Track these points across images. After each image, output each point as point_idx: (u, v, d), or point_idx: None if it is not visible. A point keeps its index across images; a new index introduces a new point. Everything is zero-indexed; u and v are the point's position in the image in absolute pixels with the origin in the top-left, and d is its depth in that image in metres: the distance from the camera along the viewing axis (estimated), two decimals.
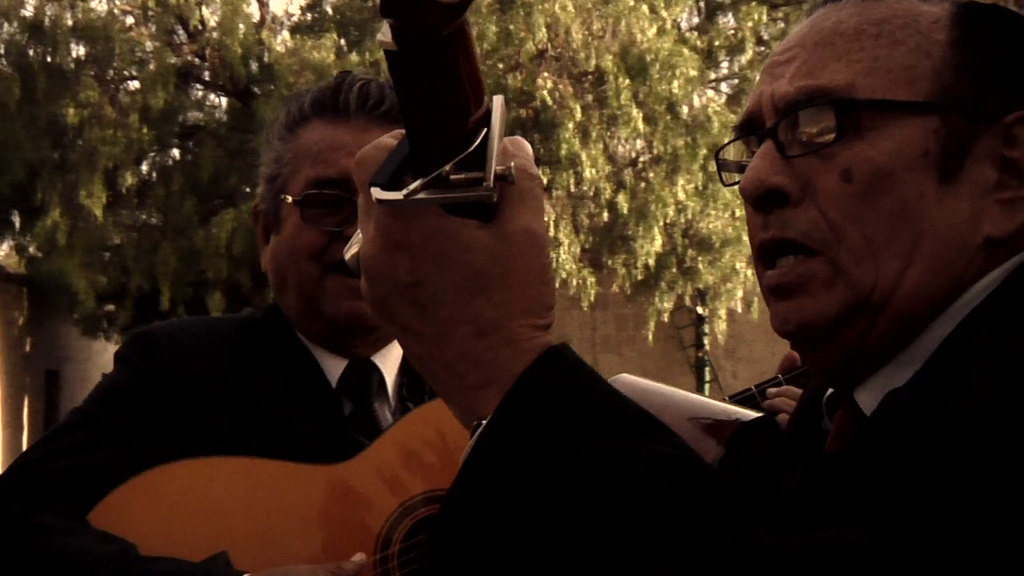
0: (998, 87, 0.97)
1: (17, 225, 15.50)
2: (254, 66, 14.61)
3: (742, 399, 1.95)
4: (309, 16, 15.58)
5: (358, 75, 1.72)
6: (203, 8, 14.73)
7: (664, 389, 1.19)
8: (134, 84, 14.78)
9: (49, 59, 14.22)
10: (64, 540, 1.51)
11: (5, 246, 16.11)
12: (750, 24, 15.16)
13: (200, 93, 15.75)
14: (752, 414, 1.15)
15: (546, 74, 13.45)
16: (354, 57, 14.16)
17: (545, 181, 13.67)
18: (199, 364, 1.65)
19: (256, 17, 14.84)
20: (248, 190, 13.81)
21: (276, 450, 1.59)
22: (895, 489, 0.78)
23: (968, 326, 0.92)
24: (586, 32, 13.66)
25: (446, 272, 0.78)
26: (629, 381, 1.18)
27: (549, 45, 13.52)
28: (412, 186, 0.78)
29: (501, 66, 13.65)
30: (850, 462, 0.87)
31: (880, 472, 0.81)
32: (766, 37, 15.63)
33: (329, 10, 15.40)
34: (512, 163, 0.80)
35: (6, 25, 14.32)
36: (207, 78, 15.31)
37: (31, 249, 15.37)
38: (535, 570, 0.73)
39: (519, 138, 0.84)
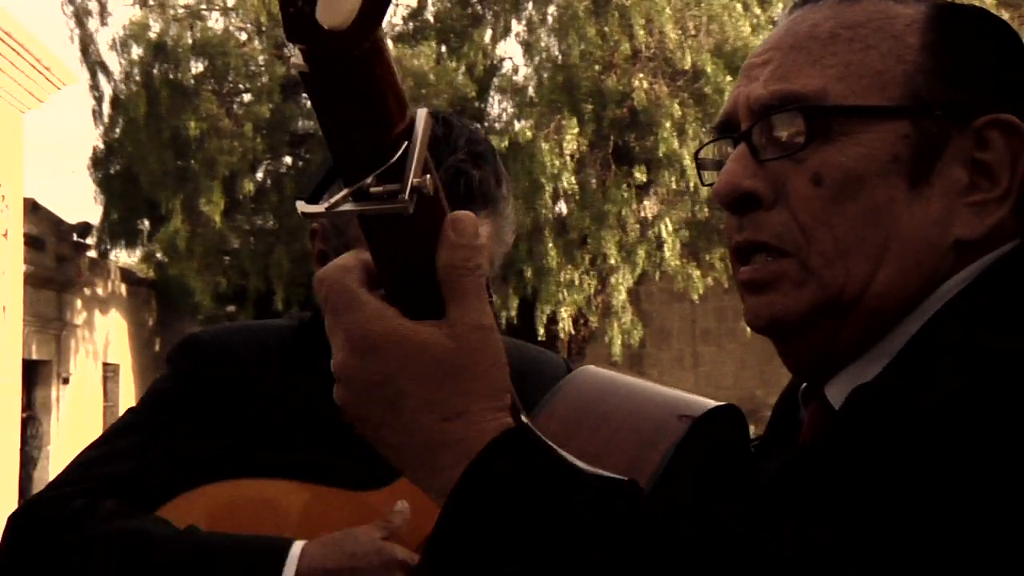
0: (971, 90, 0.96)
1: (146, 233, 15.95)
2: None
3: None
4: (411, 25, 15.72)
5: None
6: None
7: (629, 379, 1.18)
8: (247, 96, 15.09)
9: (171, 76, 14.59)
10: (127, 522, 1.54)
11: (136, 253, 16.58)
12: None
13: (308, 103, 16.00)
14: (716, 403, 1.14)
15: (641, 74, 13.36)
16: (452, 63, 14.25)
17: (644, 179, 13.60)
18: (244, 368, 1.66)
19: None
20: None
21: (317, 456, 1.59)
22: (856, 482, 0.79)
23: (936, 323, 0.92)
24: (680, 32, 13.54)
25: (409, 369, 0.82)
26: (593, 372, 1.15)
27: (644, 45, 13.43)
28: (334, 199, 0.78)
29: (597, 67, 13.59)
30: (815, 454, 0.88)
31: (842, 465, 0.81)
32: None
33: (430, 18, 15.51)
34: (429, 176, 0.80)
35: (135, 47, 14.73)
36: None
37: (158, 255, 15.80)
38: None
39: (466, 221, 0.84)
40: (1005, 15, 14.00)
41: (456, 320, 0.82)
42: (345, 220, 0.77)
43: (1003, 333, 0.85)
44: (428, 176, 0.79)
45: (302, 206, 0.79)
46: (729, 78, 12.90)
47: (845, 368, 0.97)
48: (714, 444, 1.07)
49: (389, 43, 15.04)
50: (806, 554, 0.76)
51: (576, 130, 13.21)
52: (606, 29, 13.39)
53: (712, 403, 1.08)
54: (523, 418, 0.92)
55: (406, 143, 0.78)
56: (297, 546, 1.51)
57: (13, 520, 1.60)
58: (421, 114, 0.80)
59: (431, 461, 0.83)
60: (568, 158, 13.24)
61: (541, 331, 13.71)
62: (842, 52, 0.97)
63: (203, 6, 14.85)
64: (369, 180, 0.77)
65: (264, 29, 14.79)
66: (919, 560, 0.75)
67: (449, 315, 0.83)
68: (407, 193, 0.77)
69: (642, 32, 13.24)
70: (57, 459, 12.37)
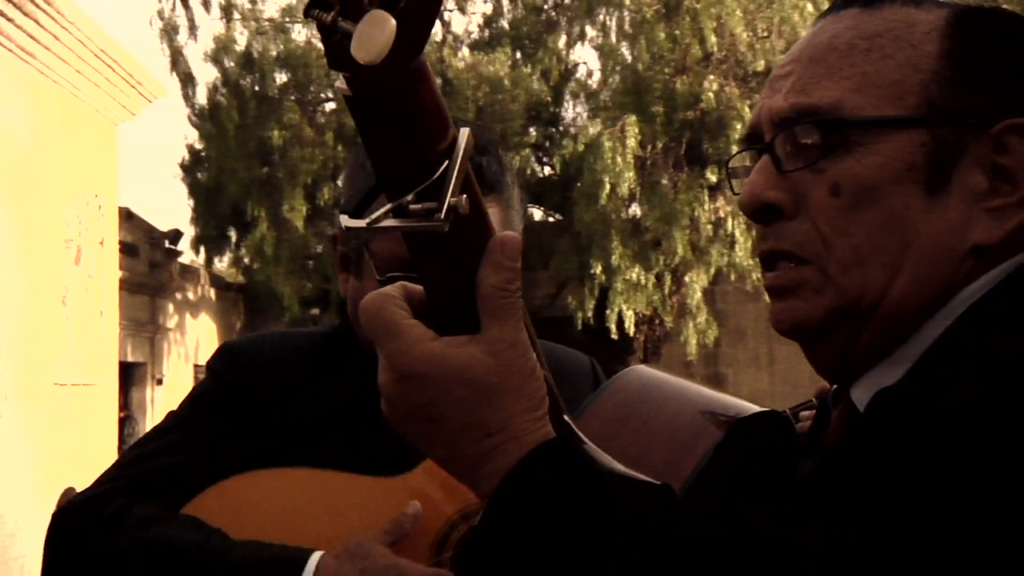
0: (989, 95, 0.95)
1: (234, 239, 16.21)
2: (437, 81, 14.91)
3: None
4: (486, 32, 15.79)
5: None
6: None
7: (676, 381, 1.17)
8: (329, 105, 15.28)
9: (257, 87, 14.82)
10: (158, 529, 1.60)
11: (225, 259, 16.84)
12: None
13: None
14: (757, 408, 1.13)
15: (712, 76, 13.27)
16: (527, 69, 14.28)
17: (715, 180, 13.50)
18: (276, 372, 1.72)
19: (438, 37, 15.15)
20: None
21: (344, 454, 1.64)
22: (875, 484, 0.80)
23: (958, 328, 0.92)
24: (751, 33, 13.42)
25: (450, 391, 0.86)
26: (639, 373, 1.16)
27: (715, 48, 13.34)
28: (375, 215, 0.80)
29: (668, 71, 13.53)
30: (839, 456, 0.89)
31: (863, 466, 0.82)
32: None
33: (506, 25, 15.56)
34: (466, 196, 0.81)
35: (225, 59, 15.01)
36: None
37: (245, 260, 16.03)
38: None
39: (511, 243, 0.87)
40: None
41: (494, 338, 0.86)
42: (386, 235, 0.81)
43: (1021, 338, 0.85)
44: (465, 196, 0.80)
45: (345, 220, 0.82)
46: None
47: (869, 371, 0.98)
48: (753, 449, 1.08)
49: (465, 51, 15.00)
50: (827, 555, 0.77)
51: (638, 131, 13.14)
52: (677, 33, 13.32)
53: (753, 408, 1.10)
54: (566, 418, 0.95)
55: (447, 162, 0.80)
56: (313, 560, 1.54)
57: (55, 520, 1.67)
58: (464, 133, 0.82)
59: (476, 472, 0.87)
60: (632, 159, 13.18)
61: (614, 331, 13.66)
62: (860, 63, 0.97)
63: (287, 19, 15.09)
64: (409, 197, 0.79)
65: None
66: (934, 563, 0.75)
67: (487, 333, 0.86)
68: (443, 212, 0.78)
69: (712, 35, 13.15)
70: None
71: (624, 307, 13.73)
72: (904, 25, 0.98)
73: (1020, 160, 0.94)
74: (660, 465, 0.99)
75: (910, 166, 0.95)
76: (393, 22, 0.72)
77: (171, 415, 1.80)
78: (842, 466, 0.84)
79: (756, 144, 1.04)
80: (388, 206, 0.80)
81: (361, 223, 0.80)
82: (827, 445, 1.04)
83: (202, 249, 15.92)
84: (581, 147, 13.52)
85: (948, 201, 0.95)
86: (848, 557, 0.77)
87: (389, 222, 0.80)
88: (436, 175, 0.79)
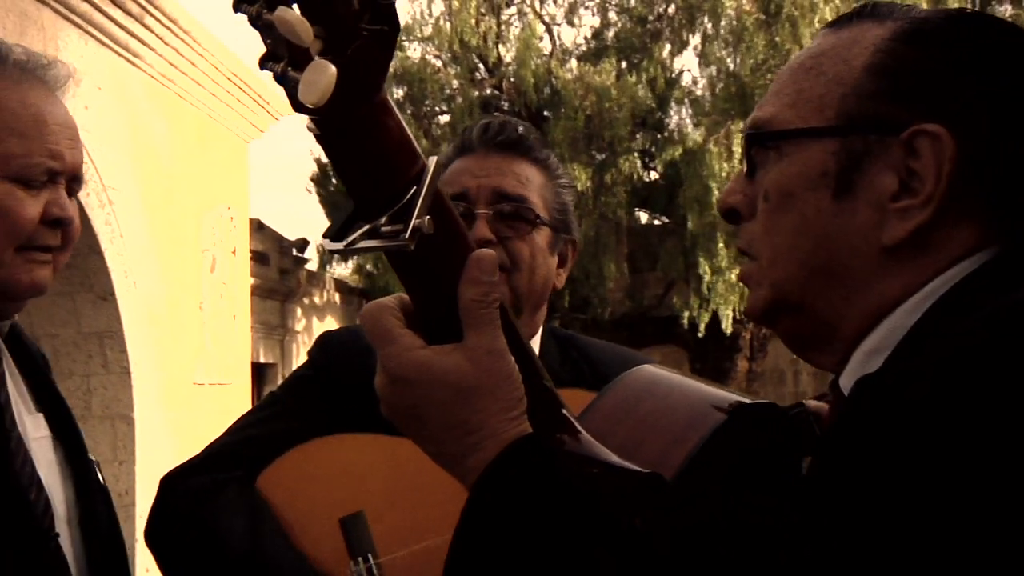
0: (906, 104, 0.95)
1: None
2: (546, 92, 14.94)
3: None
4: (593, 44, 15.76)
5: (495, 117, 1.88)
6: (499, 47, 15.22)
7: (679, 378, 1.18)
8: (444, 118, 15.43)
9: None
10: (225, 518, 1.68)
11: (349, 264, 17.16)
12: None
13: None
14: (749, 401, 1.13)
15: None
16: (632, 78, 14.20)
17: None
18: (362, 359, 1.76)
19: (548, 50, 15.19)
20: None
21: None
22: (848, 471, 0.80)
23: (929, 319, 0.93)
24: None
25: (433, 394, 0.92)
26: (643, 371, 1.18)
27: None
28: (351, 237, 0.84)
29: (770, 76, 13.31)
30: (825, 442, 0.90)
31: (839, 454, 0.83)
32: None
33: (612, 36, 15.52)
34: (432, 218, 0.86)
35: None
36: (505, 107, 15.82)
37: (367, 266, 16.30)
38: None
39: (486, 259, 0.92)
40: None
41: (473, 346, 0.92)
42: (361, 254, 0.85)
43: (985, 330, 0.83)
44: (429, 218, 0.85)
45: (326, 244, 0.87)
46: None
47: (851, 359, 0.99)
48: (748, 439, 1.09)
49: (573, 62, 14.99)
50: (791, 538, 0.79)
51: (742, 137, 12.98)
52: (777, 39, 13.10)
53: (746, 400, 1.11)
54: (565, 412, 1.00)
55: (414, 187, 0.84)
56: None
57: (162, 484, 1.78)
58: (431, 162, 0.87)
59: (460, 466, 0.94)
60: (737, 163, 13.01)
61: (725, 328, 13.48)
62: (800, 80, 1.01)
63: (403, 37, 15.30)
64: (382, 220, 0.84)
65: (457, 57, 15.11)
66: (896, 547, 0.75)
67: (467, 341, 0.92)
68: (408, 233, 0.83)
69: (811, 40, 12.91)
70: None
71: (727, 307, 13.56)
72: (849, 43, 1.00)
73: (926, 163, 0.94)
74: (654, 456, 1.02)
75: (823, 172, 0.97)
76: (332, 69, 0.76)
77: (270, 394, 1.92)
78: (824, 452, 0.86)
79: None
80: (362, 229, 0.85)
81: (339, 245, 0.85)
82: (822, 433, 1.08)
83: (335, 257, 16.24)
84: (684, 152, 13.39)
85: (855, 205, 0.97)
86: (812, 540, 0.78)
87: (364, 244, 0.85)
88: (405, 199, 0.84)
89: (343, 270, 17.22)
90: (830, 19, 13.55)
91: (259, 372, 12.39)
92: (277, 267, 13.49)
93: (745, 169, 1.04)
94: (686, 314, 13.87)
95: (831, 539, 0.77)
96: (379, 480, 1.70)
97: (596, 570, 0.84)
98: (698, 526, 0.84)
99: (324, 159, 16.08)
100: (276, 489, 1.73)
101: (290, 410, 1.82)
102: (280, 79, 0.79)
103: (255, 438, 1.79)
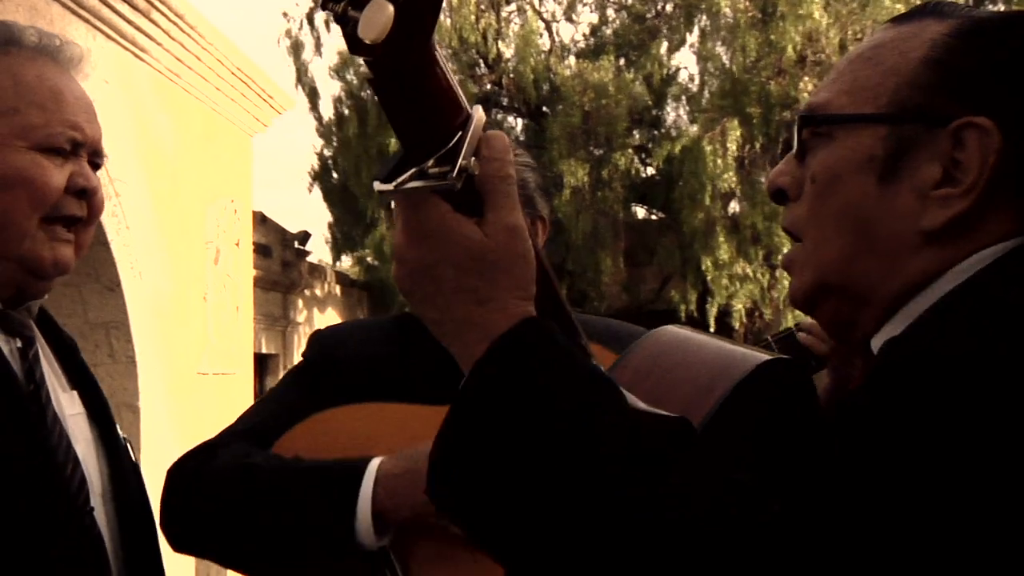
0: (957, 97, 0.98)
1: (356, 239, 16.52)
2: (545, 88, 14.96)
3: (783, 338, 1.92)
4: (591, 41, 15.78)
5: None
6: (499, 43, 15.24)
7: (702, 337, 1.20)
8: None
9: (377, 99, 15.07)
10: (245, 458, 1.77)
11: (350, 258, 17.17)
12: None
13: (499, 116, 16.28)
14: (769, 356, 1.15)
15: (807, 78, 13.04)
16: (630, 75, 14.23)
17: None
18: (353, 350, 1.92)
19: (547, 46, 15.22)
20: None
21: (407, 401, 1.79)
22: (875, 427, 0.82)
23: (960, 291, 0.96)
24: (843, 36, 13.15)
25: (452, 256, 0.92)
26: (670, 330, 1.20)
27: (810, 52, 13.11)
28: (400, 178, 0.90)
29: (765, 73, 13.35)
30: (854, 398, 0.91)
31: (867, 410, 0.85)
32: None
33: (610, 33, 15.54)
34: (477, 160, 0.91)
35: (347, 74, 15.31)
36: (504, 103, 15.84)
37: (368, 259, 16.32)
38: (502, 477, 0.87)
39: (497, 138, 0.94)
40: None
41: (492, 221, 0.93)
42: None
43: (1012, 304, 0.88)
44: (474, 159, 0.91)
45: (377, 185, 0.91)
46: None
47: (884, 324, 1.02)
48: (772, 392, 1.12)
49: (572, 59, 14.98)
50: (809, 493, 0.80)
51: (738, 133, 13.00)
52: (772, 37, 13.13)
53: (765, 356, 1.14)
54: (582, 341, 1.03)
55: (459, 133, 0.90)
56: (375, 461, 1.68)
57: (172, 470, 1.83)
58: (477, 110, 0.92)
59: (464, 337, 0.93)
60: (731, 159, 13.05)
61: (712, 323, 13.53)
62: (858, 69, 1.04)
63: None
64: (430, 163, 0.89)
65: (457, 53, 15.13)
66: (919, 507, 0.77)
67: (487, 216, 0.93)
68: (455, 172, 0.89)
69: (806, 39, 12.93)
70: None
71: (734, 301, 13.60)
72: (908, 36, 1.03)
73: (971, 155, 0.97)
74: (678, 407, 1.02)
75: (870, 157, 1.00)
76: (391, 7, 0.82)
77: (271, 389, 2.02)
78: (852, 408, 0.87)
79: None
80: (412, 171, 0.90)
81: (389, 186, 0.90)
82: (852, 389, 1.09)
83: (335, 249, 16.28)
84: (680, 148, 13.43)
85: (899, 190, 0.99)
86: (830, 497, 0.80)
87: (412, 184, 0.90)
88: (451, 143, 0.89)
89: (343, 263, 17.25)
90: (822, 20, 13.38)
91: (261, 363, 12.40)
92: (280, 259, 13.50)
93: (795, 151, 1.06)
94: (683, 308, 13.92)
95: (859, 498, 0.79)
96: (386, 446, 1.74)
97: (597, 455, 0.84)
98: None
99: (325, 153, 16.14)
100: (289, 453, 1.78)
101: (288, 399, 1.89)
102: (340, 19, 0.84)
103: (257, 425, 1.87)
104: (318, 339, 2.00)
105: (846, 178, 1.02)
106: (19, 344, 1.59)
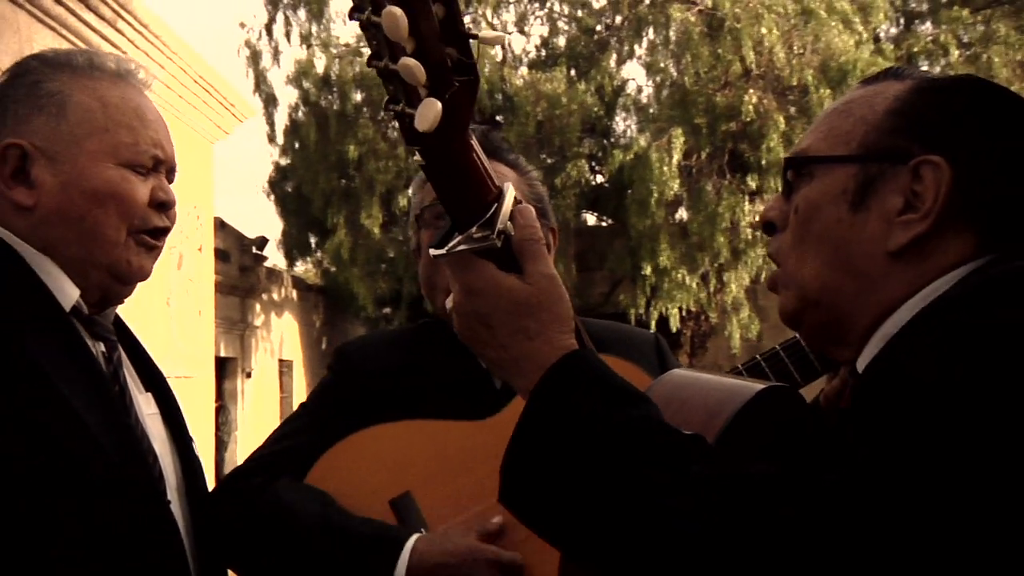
0: (915, 140, 1.14)
1: (313, 245, 16.45)
2: (498, 98, 15.02)
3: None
4: (543, 52, 15.86)
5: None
6: None
7: (711, 376, 1.35)
8: None
9: (335, 106, 15.03)
10: (288, 499, 1.79)
11: (307, 262, 17.07)
12: (950, 28, 14.42)
13: None
14: (770, 384, 1.30)
15: (752, 91, 13.24)
16: (581, 86, 14.34)
17: (754, 186, 13.47)
18: (379, 364, 1.96)
19: (499, 57, 15.28)
20: None
21: (436, 414, 1.84)
22: (858, 439, 0.96)
23: (927, 311, 1.09)
24: (788, 51, 13.36)
25: (501, 305, 1.10)
26: (681, 373, 1.37)
27: (755, 65, 13.30)
28: (452, 243, 1.10)
29: (712, 86, 13.52)
30: (844, 415, 1.06)
31: (851, 423, 1.01)
32: (967, 40, 14.78)
33: (561, 45, 15.63)
34: (512, 224, 1.11)
35: (304, 81, 15.25)
36: None
37: (325, 264, 16.25)
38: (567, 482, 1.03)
39: (527, 209, 1.13)
40: (1003, 29, 13.52)
41: (531, 271, 1.11)
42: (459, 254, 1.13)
43: (981, 321, 0.98)
44: (510, 222, 1.10)
45: (433, 252, 1.10)
46: (829, 91, 12.71)
47: (865, 348, 1.16)
48: (776, 412, 1.27)
49: (524, 69, 14.98)
50: (800, 492, 0.94)
51: (683, 142, 13.16)
52: (719, 51, 13.31)
53: (764, 384, 1.28)
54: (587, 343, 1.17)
55: (495, 205, 1.10)
56: (411, 541, 1.70)
57: (212, 494, 1.82)
58: (508, 185, 1.12)
59: (520, 369, 1.10)
60: (678, 168, 13.19)
61: (653, 326, 13.67)
62: (833, 120, 1.21)
63: (362, 44, 15.29)
64: (474, 229, 1.09)
65: None
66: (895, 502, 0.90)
67: (525, 269, 1.11)
68: (495, 234, 1.09)
69: (752, 53, 13.11)
70: (243, 443, 12.83)
71: (671, 305, 13.75)
72: (874, 93, 1.20)
73: (927, 186, 1.13)
74: (695, 428, 1.14)
75: (844, 190, 1.17)
76: (439, 104, 0.99)
77: (301, 405, 2.03)
78: (840, 422, 1.02)
79: None
80: (459, 237, 1.10)
81: (443, 251, 1.11)
82: (842, 408, 1.26)
83: (288, 254, 16.15)
84: (631, 157, 13.56)
85: (868, 217, 1.15)
86: (819, 495, 0.93)
87: (461, 247, 1.10)
88: (489, 214, 1.10)
89: (300, 268, 17.16)
90: (771, 33, 13.43)
91: (221, 366, 12.32)
92: (238, 264, 13.42)
93: (782, 190, 1.24)
94: (632, 311, 14.05)
95: (866, 486, 0.92)
96: (418, 462, 1.80)
97: (646, 473, 0.98)
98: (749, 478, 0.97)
99: (282, 163, 16.05)
100: (325, 483, 1.81)
101: (320, 419, 1.92)
102: (399, 116, 1.03)
103: (292, 449, 1.89)
104: (344, 354, 2.03)
105: (824, 208, 1.17)
106: (103, 348, 1.65)
